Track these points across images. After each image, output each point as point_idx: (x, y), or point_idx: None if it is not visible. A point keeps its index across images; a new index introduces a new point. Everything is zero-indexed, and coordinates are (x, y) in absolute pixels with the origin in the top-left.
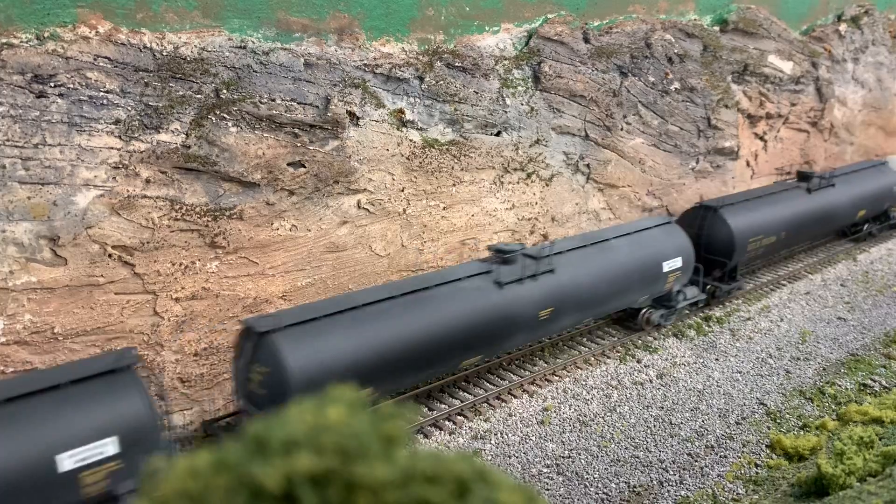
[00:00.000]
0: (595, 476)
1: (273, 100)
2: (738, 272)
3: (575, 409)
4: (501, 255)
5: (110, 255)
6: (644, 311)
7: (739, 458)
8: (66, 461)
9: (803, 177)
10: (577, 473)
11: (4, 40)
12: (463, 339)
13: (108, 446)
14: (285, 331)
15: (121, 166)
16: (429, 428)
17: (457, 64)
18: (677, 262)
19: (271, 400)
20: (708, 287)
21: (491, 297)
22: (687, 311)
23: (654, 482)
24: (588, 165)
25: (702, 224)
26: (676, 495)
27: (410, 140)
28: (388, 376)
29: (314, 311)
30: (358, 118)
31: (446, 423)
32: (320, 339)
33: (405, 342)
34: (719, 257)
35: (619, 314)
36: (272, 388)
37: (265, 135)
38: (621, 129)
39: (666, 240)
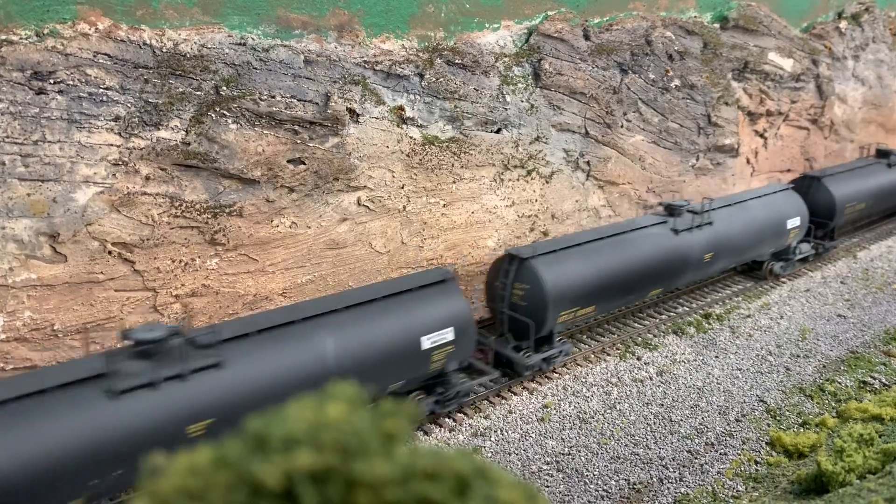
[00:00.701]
0: (595, 473)
1: (273, 97)
2: (835, 233)
3: (575, 407)
4: (672, 209)
5: (110, 252)
6: (767, 262)
7: (739, 455)
8: (426, 342)
9: (882, 154)
10: (576, 470)
11: (4, 37)
12: (651, 273)
13: (448, 334)
14: (540, 258)
15: (120, 163)
16: (429, 425)
17: (457, 61)
18: (797, 221)
19: (532, 309)
20: (812, 244)
21: (670, 241)
22: (798, 264)
23: (654, 479)
24: (588, 163)
25: (807, 191)
26: (676, 492)
27: (410, 137)
28: (603, 297)
29: (556, 244)
30: (358, 115)
31: (446, 419)
32: (562, 265)
33: (613, 271)
34: (822, 219)
35: (744, 266)
36: (532, 300)
37: (265, 132)
38: (621, 127)
39: (787, 203)
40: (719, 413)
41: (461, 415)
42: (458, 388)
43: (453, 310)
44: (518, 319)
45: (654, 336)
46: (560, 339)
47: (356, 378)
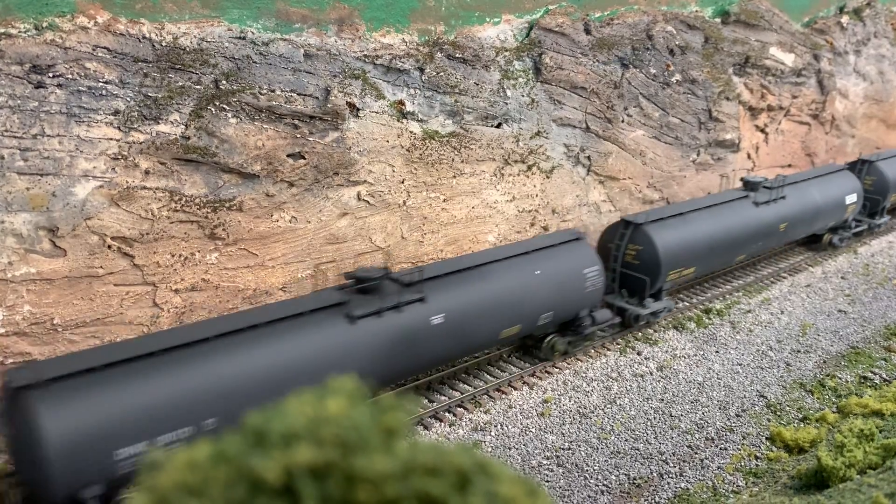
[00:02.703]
0: (595, 468)
1: (273, 91)
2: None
3: (575, 401)
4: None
5: (109, 247)
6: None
7: (739, 450)
8: (847, 200)
9: None
10: (577, 465)
11: (2, 30)
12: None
13: (854, 196)
14: (882, 162)
15: (120, 157)
16: (429, 419)
17: (457, 55)
18: (853, 198)
19: (876, 192)
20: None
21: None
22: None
23: (654, 474)
24: (589, 157)
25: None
26: (676, 487)
27: (411, 131)
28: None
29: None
30: (358, 109)
31: (446, 414)
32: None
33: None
34: (873, 196)
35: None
36: (876, 188)
37: (265, 126)
38: (622, 121)
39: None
40: (719, 408)
41: (461, 409)
42: (852, 231)
43: (854, 185)
44: (871, 198)
45: (655, 331)
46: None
47: (821, 216)
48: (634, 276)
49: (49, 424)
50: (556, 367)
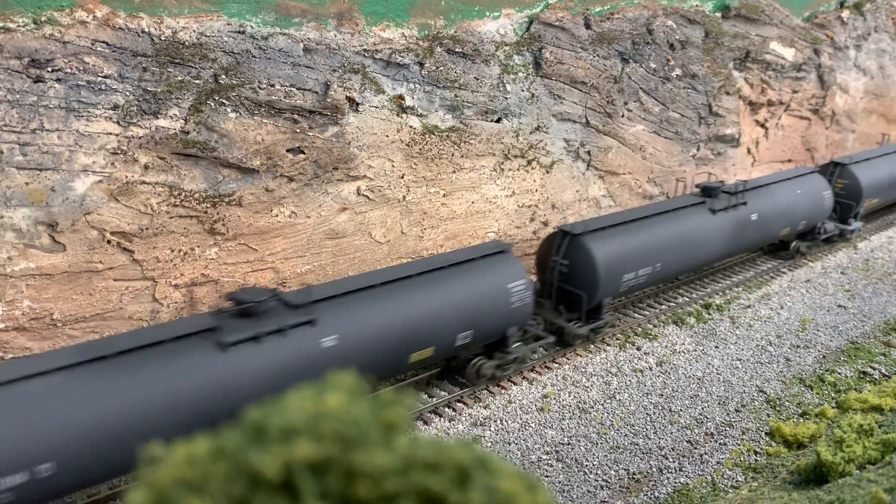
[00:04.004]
0: (594, 463)
1: (272, 85)
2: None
3: (574, 397)
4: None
5: (109, 242)
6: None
7: (739, 445)
8: None
9: None
10: (576, 460)
11: (1, 24)
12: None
13: None
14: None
15: (119, 152)
16: (429, 415)
17: (457, 49)
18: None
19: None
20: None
21: None
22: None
23: (654, 469)
24: (589, 152)
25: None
26: (676, 482)
27: (410, 126)
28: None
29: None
30: (357, 104)
31: (446, 409)
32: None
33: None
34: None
35: None
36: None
37: (264, 120)
38: (622, 116)
39: None
40: (719, 403)
41: (461, 404)
42: None
43: None
44: None
45: (654, 326)
46: None
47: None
48: (844, 202)
49: (599, 256)
50: (556, 362)
